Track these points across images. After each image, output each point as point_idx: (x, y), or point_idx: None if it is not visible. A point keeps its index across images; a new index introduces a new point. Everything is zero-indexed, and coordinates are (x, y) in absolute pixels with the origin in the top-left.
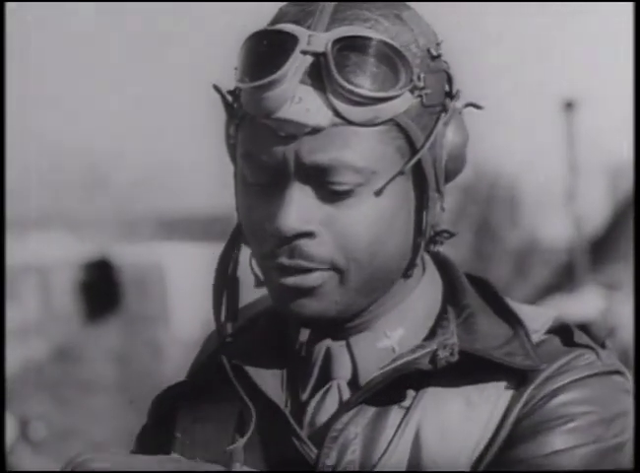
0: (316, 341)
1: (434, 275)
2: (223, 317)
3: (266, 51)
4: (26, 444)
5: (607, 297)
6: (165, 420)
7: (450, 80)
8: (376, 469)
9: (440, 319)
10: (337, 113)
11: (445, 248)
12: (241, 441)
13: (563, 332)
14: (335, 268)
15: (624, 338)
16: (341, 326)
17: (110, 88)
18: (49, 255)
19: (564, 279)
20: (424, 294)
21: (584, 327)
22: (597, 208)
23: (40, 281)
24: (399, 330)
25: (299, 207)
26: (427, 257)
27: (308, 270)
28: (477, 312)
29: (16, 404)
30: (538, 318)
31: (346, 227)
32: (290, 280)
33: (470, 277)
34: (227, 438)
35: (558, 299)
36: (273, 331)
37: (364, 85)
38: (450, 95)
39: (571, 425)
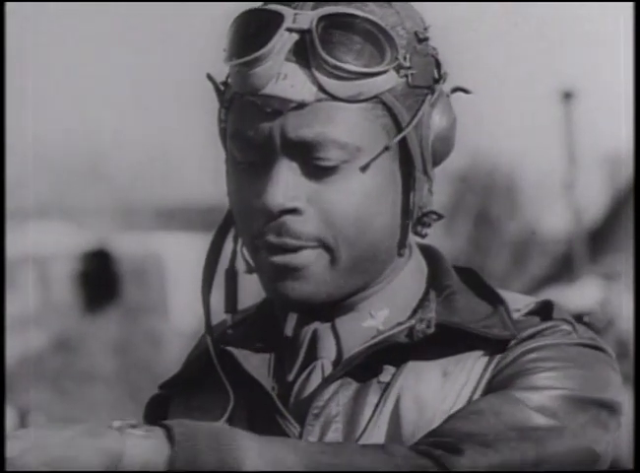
0: (304, 324)
1: (420, 260)
2: (225, 309)
3: (252, 30)
4: None
5: (605, 287)
6: (160, 417)
7: (438, 65)
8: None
9: (423, 300)
10: (321, 89)
11: (442, 239)
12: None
13: (544, 309)
14: (324, 246)
15: (623, 329)
16: (328, 308)
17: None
18: (48, 245)
19: (563, 269)
20: (410, 277)
21: (582, 317)
22: (595, 198)
23: (39, 271)
24: (384, 311)
25: (286, 184)
26: (414, 244)
27: (297, 248)
28: (457, 292)
29: (15, 394)
30: (521, 300)
31: (332, 203)
32: (279, 258)
33: (456, 267)
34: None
35: (557, 289)
36: (263, 320)
37: (349, 60)
38: (437, 78)
39: (543, 374)
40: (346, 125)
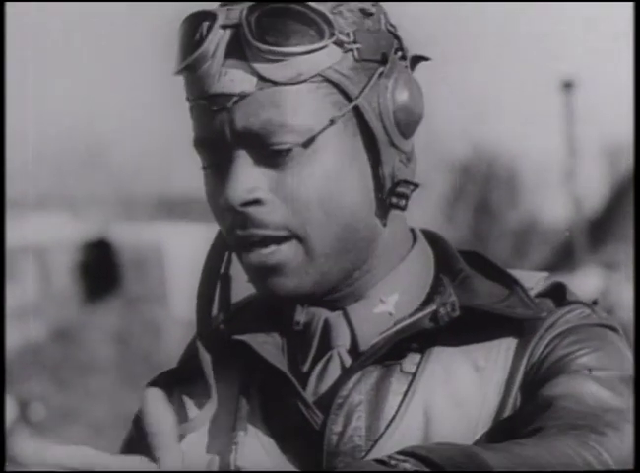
0: (313, 314)
1: (425, 247)
2: (217, 309)
3: (190, 34)
4: (25, 425)
5: (606, 276)
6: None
7: (398, 40)
8: (384, 436)
9: (436, 285)
10: (260, 77)
11: (443, 228)
12: (200, 419)
13: (556, 291)
14: (295, 236)
15: (623, 317)
16: (335, 297)
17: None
18: (48, 236)
19: (563, 259)
20: (416, 262)
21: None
22: (596, 188)
23: (39, 261)
24: (394, 295)
25: (244, 177)
26: (419, 231)
27: (267, 240)
28: (471, 275)
29: (15, 385)
30: (530, 278)
31: (293, 189)
32: (254, 257)
33: (461, 251)
34: (229, 415)
35: (557, 278)
36: (268, 309)
37: (280, 42)
38: (395, 52)
39: (592, 354)
40: (291, 108)
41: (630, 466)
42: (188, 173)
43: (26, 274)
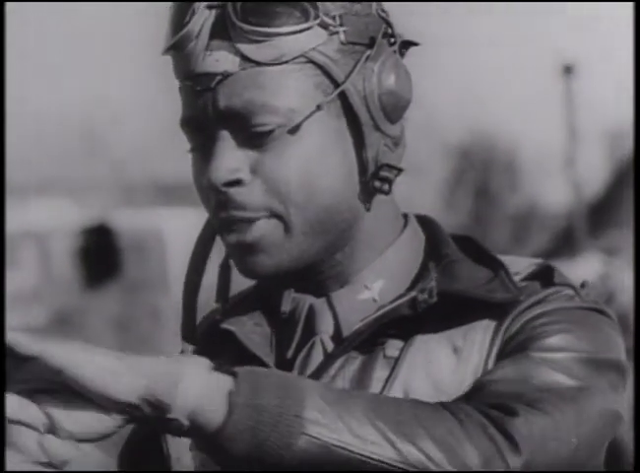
0: (299, 301)
1: (416, 232)
2: (215, 299)
3: (177, 15)
4: None
5: (606, 262)
6: None
7: (389, 25)
8: None
9: (422, 271)
10: (244, 57)
11: (443, 213)
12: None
13: (544, 274)
14: (275, 215)
15: (623, 303)
16: (320, 281)
17: (110, 54)
18: (48, 221)
19: (563, 244)
20: (404, 248)
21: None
22: (596, 173)
23: (40, 247)
24: (379, 282)
25: (227, 157)
26: (412, 216)
27: (247, 221)
28: (457, 260)
29: None
30: (520, 263)
31: (274, 170)
32: (233, 237)
33: (455, 236)
34: None
35: (557, 263)
36: (261, 299)
37: (263, 23)
38: (384, 36)
39: (556, 336)
40: (274, 88)
41: (553, 452)
42: (189, 158)
43: (26, 260)
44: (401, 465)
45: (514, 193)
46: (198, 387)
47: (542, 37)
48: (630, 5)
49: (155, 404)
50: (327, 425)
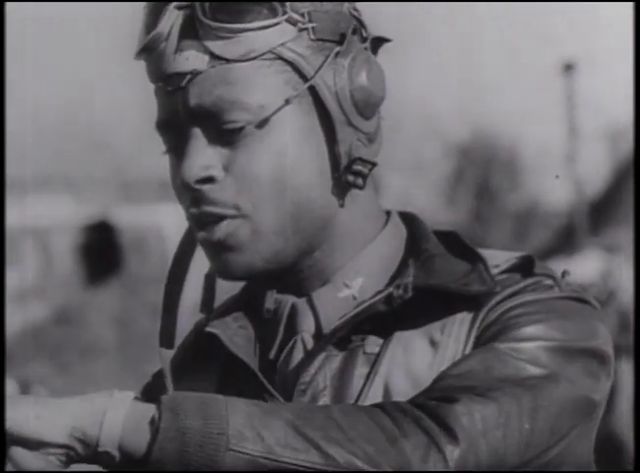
0: (282, 301)
1: (397, 229)
2: (200, 309)
3: (149, 18)
4: None
5: (606, 259)
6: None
7: (360, 22)
8: None
9: (401, 267)
10: (212, 54)
11: (444, 211)
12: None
13: (524, 265)
14: (241, 215)
15: (624, 300)
16: (301, 280)
17: (110, 49)
18: (49, 217)
19: (564, 242)
20: (384, 244)
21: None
22: (597, 171)
23: (40, 243)
24: (358, 279)
25: (198, 155)
26: (395, 213)
27: (216, 218)
28: (436, 255)
29: (16, 368)
30: (501, 256)
31: (245, 167)
32: (202, 234)
33: (438, 231)
34: None
35: (558, 261)
36: (244, 302)
37: (231, 20)
38: (355, 33)
39: (528, 327)
40: (244, 85)
41: (500, 439)
42: None
43: (27, 256)
44: (330, 468)
45: (515, 191)
46: (122, 417)
47: (542, 36)
48: (630, 5)
49: (83, 440)
50: (252, 438)
